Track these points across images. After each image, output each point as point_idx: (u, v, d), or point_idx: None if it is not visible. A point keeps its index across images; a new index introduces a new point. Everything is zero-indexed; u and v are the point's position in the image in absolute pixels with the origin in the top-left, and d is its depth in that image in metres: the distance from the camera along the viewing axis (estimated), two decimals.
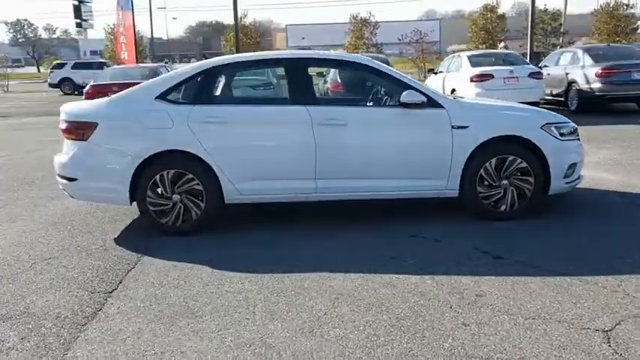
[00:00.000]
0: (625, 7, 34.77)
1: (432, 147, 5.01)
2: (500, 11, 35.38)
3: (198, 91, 5.11)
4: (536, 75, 12.63)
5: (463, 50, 22.32)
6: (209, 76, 5.14)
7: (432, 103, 5.01)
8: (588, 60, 13.14)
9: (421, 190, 5.09)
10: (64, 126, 5.10)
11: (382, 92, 5.38)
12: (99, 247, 4.80)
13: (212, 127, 4.92)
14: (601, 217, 5.17)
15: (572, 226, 4.94)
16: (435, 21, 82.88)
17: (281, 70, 5.23)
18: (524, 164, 5.02)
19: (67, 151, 5.10)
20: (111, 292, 3.85)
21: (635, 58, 13.30)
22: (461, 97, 5.53)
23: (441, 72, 14.89)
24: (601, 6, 35.47)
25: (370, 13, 37.38)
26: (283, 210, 5.47)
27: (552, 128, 5.09)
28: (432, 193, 5.11)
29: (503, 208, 5.09)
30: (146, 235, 5.04)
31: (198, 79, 5.11)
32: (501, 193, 5.07)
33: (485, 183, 5.05)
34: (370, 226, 5.09)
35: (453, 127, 4.98)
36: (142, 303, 3.65)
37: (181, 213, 4.97)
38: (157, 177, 4.92)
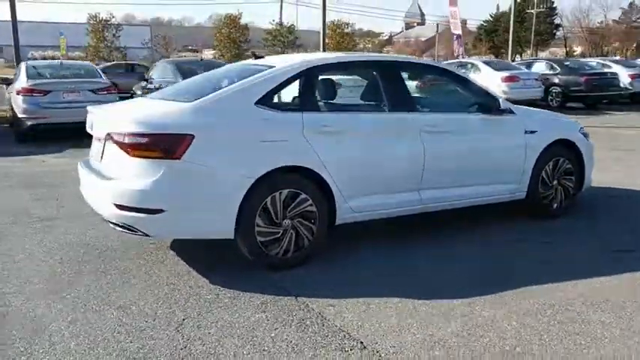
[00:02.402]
0: (347, 25, 39.23)
1: (512, 151, 5.15)
2: (197, 21, 36.59)
3: (303, 95, 4.31)
4: None
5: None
6: (310, 77, 4.36)
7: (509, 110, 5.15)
8: None
9: (501, 194, 5.18)
10: (141, 140, 3.77)
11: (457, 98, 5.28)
12: (229, 296, 3.72)
13: (328, 137, 4.22)
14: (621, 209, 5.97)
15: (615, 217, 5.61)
16: (146, 27, 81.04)
17: (381, 73, 4.69)
18: (569, 165, 5.52)
19: (140, 173, 3.79)
20: None
21: None
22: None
23: None
24: (328, 24, 39.31)
25: (111, 14, 34.61)
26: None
27: (583, 131, 5.71)
28: (508, 197, 5.23)
29: (555, 206, 5.50)
30: (243, 269, 4.10)
31: (300, 80, 4.31)
32: (553, 193, 5.47)
33: (544, 184, 5.39)
34: (460, 236, 4.97)
35: (526, 131, 5.20)
36: None
37: (293, 241, 4.15)
38: (269, 200, 4.02)
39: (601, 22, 76.01)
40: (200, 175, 3.83)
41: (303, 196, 4.13)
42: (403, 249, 4.61)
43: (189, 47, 54.08)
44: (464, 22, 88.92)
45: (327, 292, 3.76)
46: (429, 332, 3.22)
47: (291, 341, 3.13)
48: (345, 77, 5.91)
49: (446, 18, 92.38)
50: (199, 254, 4.46)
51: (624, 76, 18.08)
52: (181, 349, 3.04)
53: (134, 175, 3.80)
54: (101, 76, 11.77)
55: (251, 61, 5.10)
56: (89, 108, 4.55)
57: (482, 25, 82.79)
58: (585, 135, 5.71)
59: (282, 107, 4.23)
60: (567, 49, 77.67)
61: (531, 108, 5.94)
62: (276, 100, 4.22)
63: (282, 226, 4.09)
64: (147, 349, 3.04)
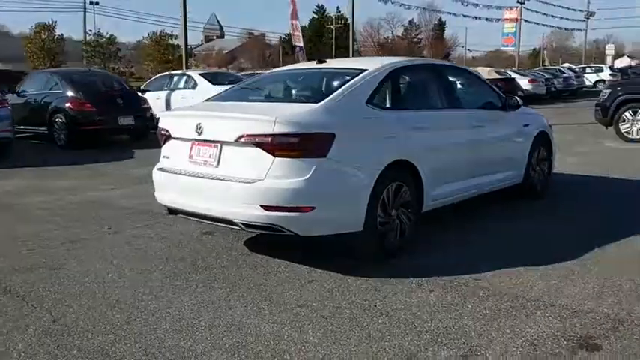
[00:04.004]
0: (170, 37, 38.36)
1: (519, 141, 6.02)
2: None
3: (394, 94, 4.67)
4: None
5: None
6: (398, 78, 4.74)
7: None
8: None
9: (511, 180, 6.00)
10: (291, 140, 3.82)
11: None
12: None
13: (419, 133, 4.64)
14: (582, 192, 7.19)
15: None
16: None
17: (445, 75, 5.17)
18: (545, 152, 6.58)
19: (291, 173, 3.84)
20: None
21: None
22: None
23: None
24: (149, 35, 38.09)
25: None
26: None
27: (549, 123, 6.82)
28: (514, 181, 6.07)
29: (538, 187, 6.51)
30: (348, 259, 4.34)
31: (389, 81, 4.64)
32: (537, 177, 6.47)
33: (532, 169, 6.35)
34: (504, 217, 5.71)
35: (523, 125, 6.13)
36: None
37: (398, 229, 4.50)
38: (385, 192, 4.32)
39: (387, 38, 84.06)
40: (341, 172, 4.01)
41: (405, 187, 4.49)
42: (463, 230, 5.18)
43: None
44: (262, 35, 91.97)
45: (454, 270, 4.16)
46: (580, 288, 3.82)
47: (492, 308, 3.50)
48: None
49: (245, 31, 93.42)
50: (288, 253, 4.54)
51: None
52: (412, 328, 3.25)
53: (283, 176, 3.83)
54: None
55: (313, 63, 5.24)
56: (185, 112, 4.39)
57: (284, 38, 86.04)
58: (550, 127, 6.83)
59: (385, 107, 4.54)
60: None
61: None
62: (378, 100, 4.50)
63: (392, 216, 4.40)
64: (383, 330, 3.20)
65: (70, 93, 11.49)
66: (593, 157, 9.72)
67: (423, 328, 3.25)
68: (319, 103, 4.15)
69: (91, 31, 36.28)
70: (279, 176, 3.84)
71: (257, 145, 3.88)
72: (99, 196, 7.16)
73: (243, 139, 3.93)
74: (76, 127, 11.14)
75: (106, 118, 11.32)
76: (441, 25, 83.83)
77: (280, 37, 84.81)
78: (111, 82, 12.79)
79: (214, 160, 4.13)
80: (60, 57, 34.03)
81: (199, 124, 4.16)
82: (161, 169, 4.55)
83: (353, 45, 29.97)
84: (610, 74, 35.80)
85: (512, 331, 3.19)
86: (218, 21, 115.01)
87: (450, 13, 74.44)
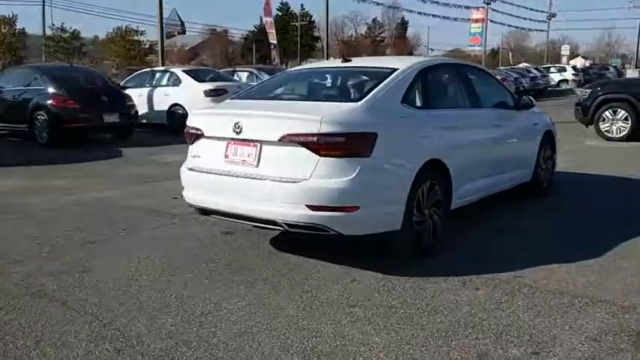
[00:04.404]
0: (135, 32, 37.58)
1: (531, 140, 6.12)
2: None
3: (424, 94, 4.66)
4: None
5: None
6: (425, 78, 4.72)
7: None
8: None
9: (523, 177, 6.10)
10: (337, 140, 3.79)
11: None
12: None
13: (449, 132, 4.68)
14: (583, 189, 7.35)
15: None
16: None
17: (468, 75, 5.22)
18: (549, 151, 6.71)
19: (336, 172, 3.81)
20: None
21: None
22: None
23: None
24: (114, 30, 37.24)
25: None
26: None
27: (552, 121, 6.95)
28: (525, 179, 6.17)
29: (545, 184, 6.64)
30: (379, 259, 4.33)
31: (420, 81, 4.64)
32: (543, 174, 6.59)
33: (540, 167, 6.47)
34: (523, 215, 5.80)
35: (533, 124, 6.23)
36: None
37: (431, 228, 4.52)
38: (420, 191, 4.33)
39: (351, 36, 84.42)
40: (383, 171, 4.00)
41: (437, 186, 4.50)
42: (481, 228, 5.24)
43: None
44: (224, 32, 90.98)
45: (490, 268, 4.19)
46: (620, 284, 3.88)
47: (542, 305, 3.54)
48: None
49: (207, 27, 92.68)
50: (319, 252, 4.50)
51: None
52: (472, 326, 3.27)
53: (328, 175, 3.79)
54: None
55: (338, 62, 5.20)
56: (219, 111, 4.30)
57: (247, 35, 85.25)
58: (554, 124, 6.96)
59: (415, 105, 4.54)
60: (326, 59, 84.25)
61: None
62: (411, 99, 4.49)
63: (425, 215, 4.41)
64: (444, 329, 3.20)
65: (51, 89, 11.14)
66: (579, 156, 9.94)
67: (482, 326, 3.27)
68: (359, 103, 4.12)
69: (54, 25, 35.27)
70: (324, 176, 3.80)
71: (302, 144, 3.82)
72: (98, 196, 6.96)
73: (286, 139, 3.87)
74: (59, 124, 10.82)
75: (91, 115, 11.05)
76: (403, 24, 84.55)
77: (243, 34, 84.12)
78: (94, 79, 12.45)
79: (254, 159, 4.06)
80: (21, 52, 32.98)
81: (237, 122, 4.08)
82: (191, 169, 4.45)
83: (327, 44, 29.93)
84: (573, 74, 36.83)
85: (570, 328, 3.24)
86: (179, 16, 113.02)
87: (419, 13, 74.41)
